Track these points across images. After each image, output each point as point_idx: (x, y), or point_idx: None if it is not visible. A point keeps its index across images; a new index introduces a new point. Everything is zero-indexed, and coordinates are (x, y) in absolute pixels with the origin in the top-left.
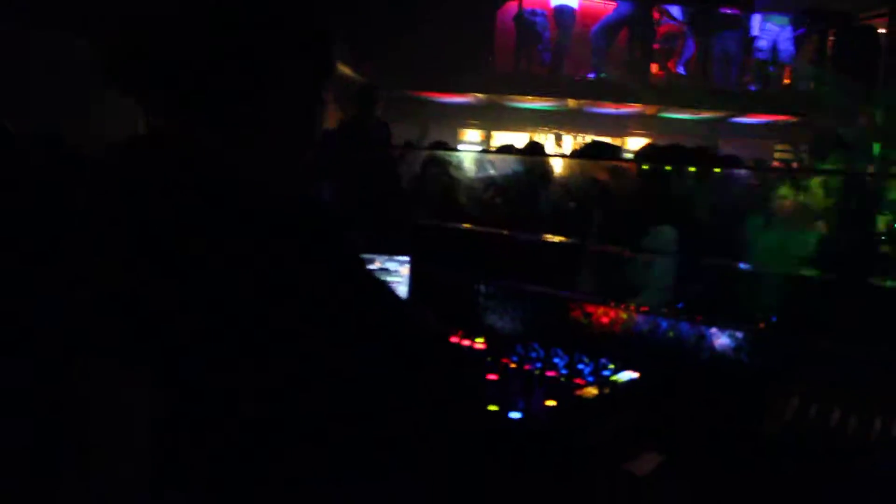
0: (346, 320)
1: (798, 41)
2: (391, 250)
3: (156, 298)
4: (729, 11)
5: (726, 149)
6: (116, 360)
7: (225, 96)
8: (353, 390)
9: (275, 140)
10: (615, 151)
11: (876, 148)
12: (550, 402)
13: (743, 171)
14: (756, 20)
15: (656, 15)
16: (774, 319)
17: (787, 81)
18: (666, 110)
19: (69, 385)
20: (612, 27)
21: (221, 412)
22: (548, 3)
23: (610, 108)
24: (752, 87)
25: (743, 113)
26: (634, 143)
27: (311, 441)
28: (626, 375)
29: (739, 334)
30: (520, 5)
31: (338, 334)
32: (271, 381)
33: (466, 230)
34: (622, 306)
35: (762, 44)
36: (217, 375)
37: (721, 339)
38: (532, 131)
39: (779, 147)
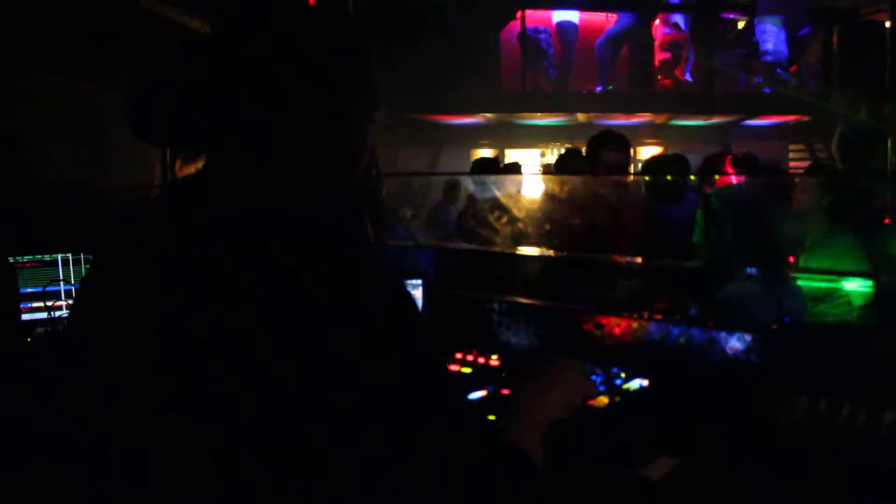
0: (399, 356)
1: (803, 41)
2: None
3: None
4: (731, 16)
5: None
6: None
7: (254, 135)
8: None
9: (308, 171)
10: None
11: None
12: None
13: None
14: (759, 22)
15: (659, 24)
16: None
17: (794, 81)
18: (676, 118)
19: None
20: (615, 39)
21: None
22: (550, 21)
23: (620, 119)
24: (766, 90)
25: (753, 115)
26: (647, 152)
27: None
28: (637, 383)
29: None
30: (522, 24)
31: (389, 371)
32: (335, 422)
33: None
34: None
35: (767, 45)
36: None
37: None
38: (544, 147)
39: (792, 147)
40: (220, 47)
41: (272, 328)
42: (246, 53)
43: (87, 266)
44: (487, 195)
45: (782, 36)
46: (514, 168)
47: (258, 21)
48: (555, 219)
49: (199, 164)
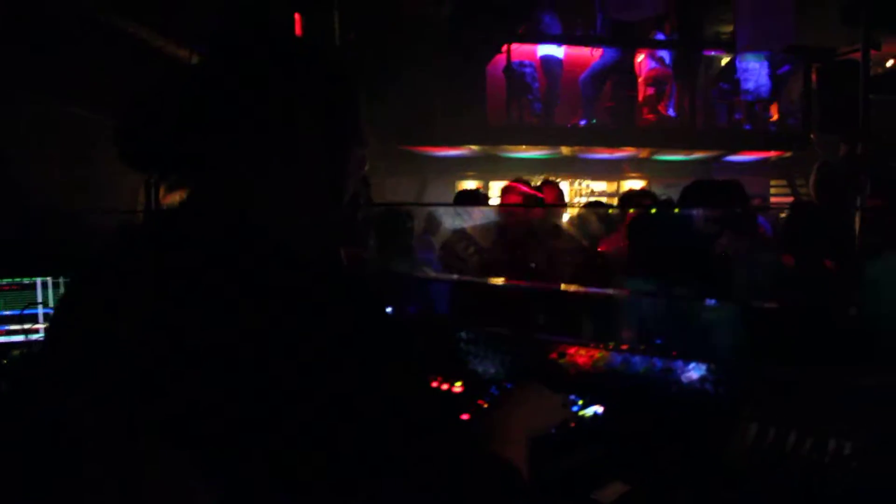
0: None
1: (783, 78)
2: None
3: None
4: (713, 53)
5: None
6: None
7: (251, 160)
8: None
9: (302, 199)
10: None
11: None
12: None
13: None
14: (741, 60)
15: (644, 59)
16: None
17: (775, 118)
18: (659, 152)
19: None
20: (599, 74)
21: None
22: (535, 55)
23: (604, 154)
24: (741, 127)
25: (735, 151)
26: (630, 186)
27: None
28: (592, 410)
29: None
30: (508, 58)
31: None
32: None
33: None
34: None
35: (748, 83)
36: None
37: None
38: (528, 179)
39: (774, 182)
40: (216, 75)
41: (269, 349)
42: (243, 82)
43: (67, 286)
44: (457, 225)
45: (763, 73)
46: (472, 197)
47: (254, 49)
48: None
49: (183, 192)
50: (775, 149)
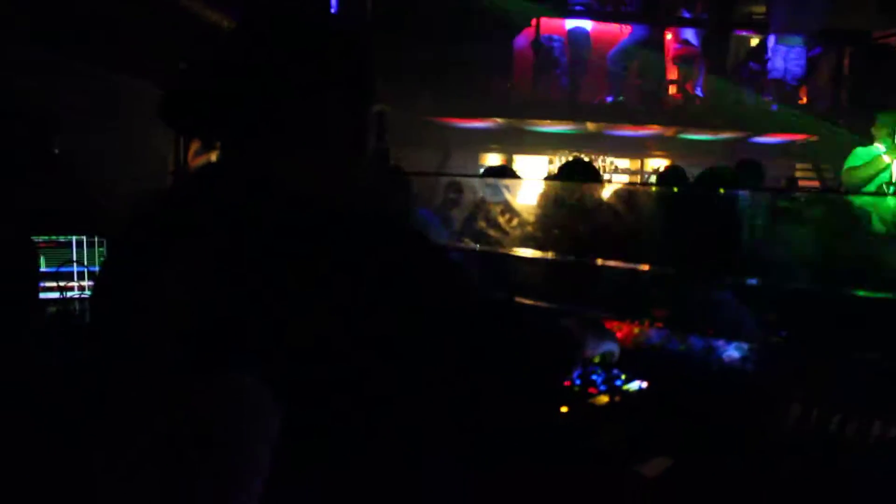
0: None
1: (814, 61)
2: None
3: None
4: (744, 33)
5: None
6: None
7: (282, 126)
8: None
9: (329, 158)
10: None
11: None
12: (564, 409)
13: None
14: (771, 41)
15: (671, 39)
16: None
17: (803, 101)
18: (685, 131)
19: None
20: (627, 51)
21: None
22: (563, 29)
23: (628, 131)
24: (774, 108)
25: (762, 133)
26: (654, 164)
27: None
28: (636, 384)
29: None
30: (537, 31)
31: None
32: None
33: None
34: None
35: (778, 64)
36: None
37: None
38: (552, 155)
39: (799, 166)
40: (250, 49)
41: (323, 288)
42: (275, 56)
43: (105, 247)
44: (498, 198)
45: (793, 55)
46: (500, 173)
47: (284, 26)
48: (562, 224)
49: (212, 154)
50: (802, 132)
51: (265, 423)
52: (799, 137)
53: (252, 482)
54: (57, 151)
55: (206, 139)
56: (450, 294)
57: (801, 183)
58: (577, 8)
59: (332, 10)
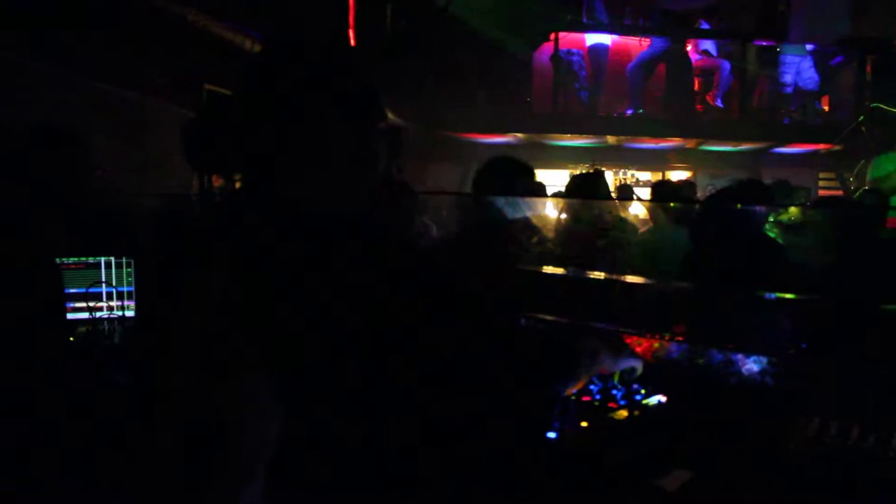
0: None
1: (835, 70)
2: None
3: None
4: (764, 44)
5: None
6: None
7: (295, 150)
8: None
9: (342, 176)
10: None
11: None
12: (584, 424)
13: None
14: (792, 51)
15: (690, 51)
16: None
17: (826, 110)
18: (706, 143)
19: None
20: (647, 64)
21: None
22: (583, 43)
23: (649, 143)
24: (791, 118)
25: (784, 143)
26: (676, 177)
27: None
28: (656, 399)
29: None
30: (555, 46)
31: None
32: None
33: None
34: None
35: (799, 74)
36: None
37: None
38: (573, 168)
39: (822, 175)
40: (273, 85)
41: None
42: (295, 88)
43: (133, 267)
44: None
45: (815, 64)
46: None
47: (297, 60)
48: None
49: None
50: (824, 142)
51: (272, 424)
52: (822, 147)
53: (258, 480)
54: (88, 175)
55: (226, 175)
56: (450, 308)
57: (823, 193)
58: (597, 22)
59: (351, 30)
